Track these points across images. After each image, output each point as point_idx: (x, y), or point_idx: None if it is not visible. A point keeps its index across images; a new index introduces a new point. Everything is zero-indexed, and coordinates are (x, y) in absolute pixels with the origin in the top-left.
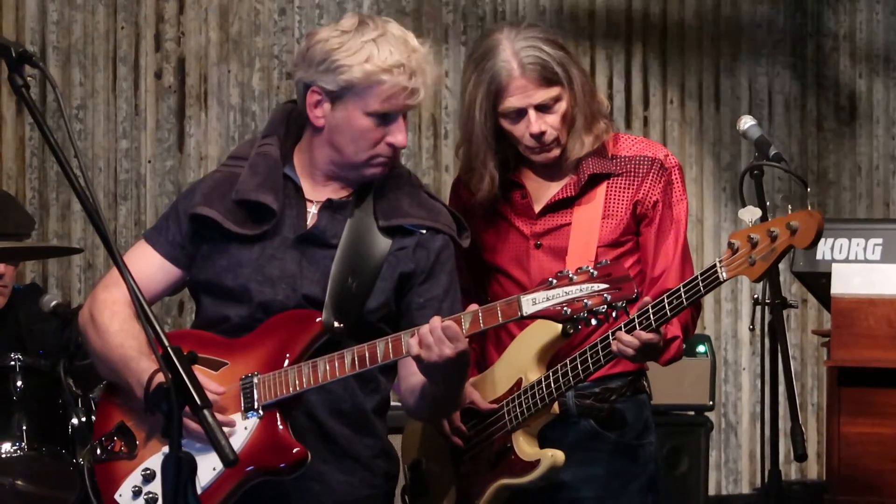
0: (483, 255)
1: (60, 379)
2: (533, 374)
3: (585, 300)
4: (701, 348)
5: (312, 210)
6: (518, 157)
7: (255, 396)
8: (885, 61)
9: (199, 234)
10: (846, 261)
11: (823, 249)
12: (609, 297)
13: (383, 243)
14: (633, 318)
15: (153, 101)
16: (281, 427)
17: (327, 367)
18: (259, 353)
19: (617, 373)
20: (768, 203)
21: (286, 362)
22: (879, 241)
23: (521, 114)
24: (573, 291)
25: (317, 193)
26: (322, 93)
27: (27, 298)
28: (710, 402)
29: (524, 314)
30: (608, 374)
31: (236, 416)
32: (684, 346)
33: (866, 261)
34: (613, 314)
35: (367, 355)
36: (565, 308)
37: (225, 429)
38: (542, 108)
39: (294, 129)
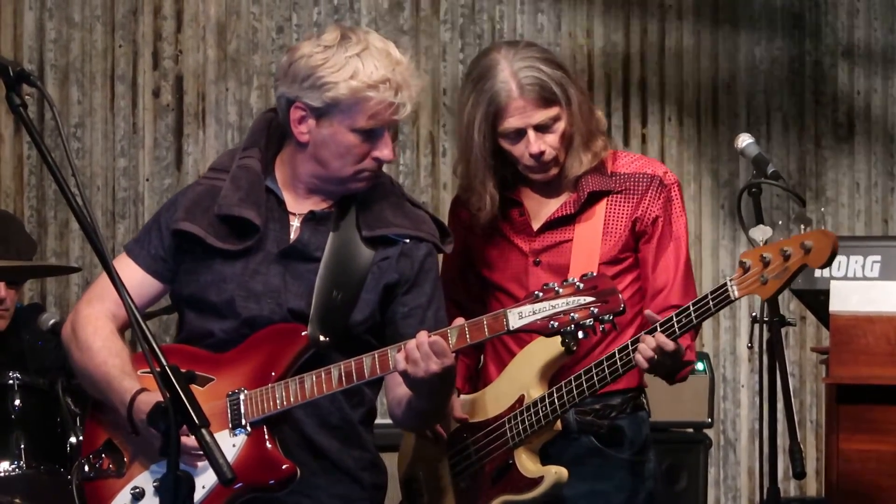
0: (482, 273)
1: (59, 397)
2: (535, 391)
3: (572, 314)
4: (699, 365)
5: (295, 223)
6: (516, 174)
7: (243, 413)
8: (883, 78)
9: (182, 249)
10: (844, 278)
11: None
12: (596, 311)
13: (367, 254)
14: (638, 336)
15: (151, 119)
16: (269, 443)
17: (314, 383)
18: (245, 369)
19: (617, 390)
20: (766, 220)
21: (272, 378)
22: (878, 258)
23: (520, 134)
24: (560, 305)
25: (299, 206)
26: (307, 109)
27: (30, 318)
28: (709, 419)
29: (511, 328)
30: (608, 392)
31: (224, 433)
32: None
33: (865, 278)
34: (601, 327)
35: (353, 371)
36: (552, 322)
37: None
38: (541, 128)
39: (275, 139)
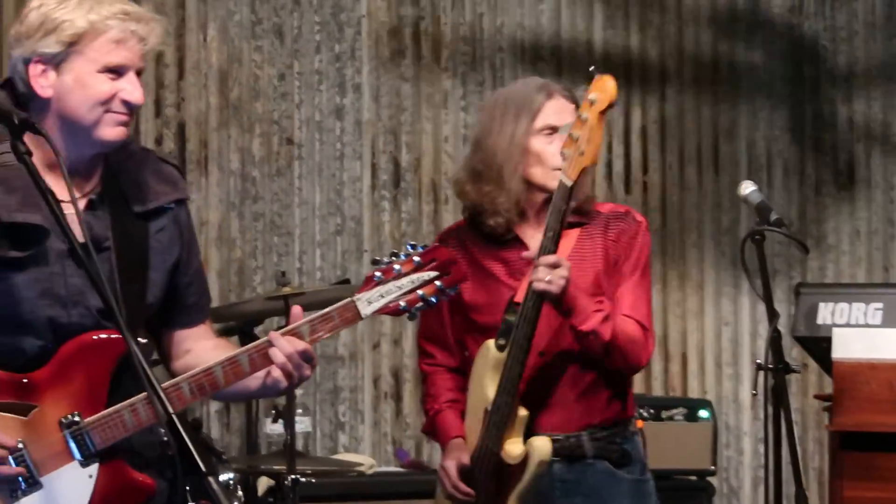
0: (471, 317)
1: None
2: (490, 398)
3: (419, 291)
4: (703, 413)
5: (72, 212)
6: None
7: (92, 442)
8: (882, 126)
9: None
10: (847, 325)
11: (824, 314)
12: (442, 285)
13: (143, 231)
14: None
15: None
16: (124, 465)
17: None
18: (70, 390)
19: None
20: (769, 268)
21: (103, 396)
22: (880, 305)
23: (554, 131)
24: (406, 284)
25: (66, 193)
26: (44, 60)
27: None
28: (712, 467)
29: (364, 315)
30: (606, 423)
31: (72, 466)
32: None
33: (867, 325)
34: (447, 298)
35: (206, 384)
36: (401, 302)
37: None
38: None
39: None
